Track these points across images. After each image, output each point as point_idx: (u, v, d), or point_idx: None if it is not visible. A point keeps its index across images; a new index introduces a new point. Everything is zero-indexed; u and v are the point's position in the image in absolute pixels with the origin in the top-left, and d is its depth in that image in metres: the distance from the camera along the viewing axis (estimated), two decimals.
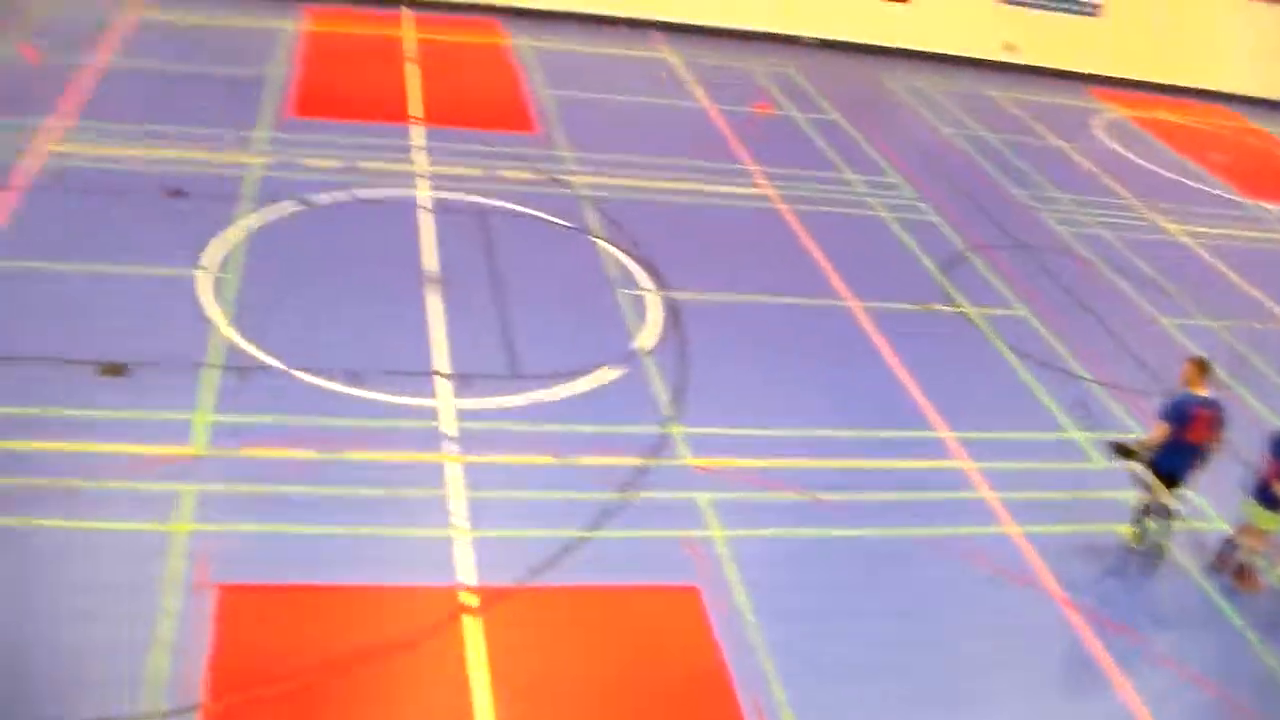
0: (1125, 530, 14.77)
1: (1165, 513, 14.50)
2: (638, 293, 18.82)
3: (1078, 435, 17.07)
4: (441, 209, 20.38)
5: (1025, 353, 18.88)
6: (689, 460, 14.97)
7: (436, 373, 15.85)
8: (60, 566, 12.02)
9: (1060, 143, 30.31)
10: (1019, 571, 14.11)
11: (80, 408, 14.19)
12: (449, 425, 14.85)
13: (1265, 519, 14.15)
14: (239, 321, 16.40)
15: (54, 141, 20.73)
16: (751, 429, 15.84)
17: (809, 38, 34.46)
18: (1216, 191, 28.94)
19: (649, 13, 33.20)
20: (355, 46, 28.52)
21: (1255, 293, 23.12)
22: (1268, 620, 14.12)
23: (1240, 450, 15.12)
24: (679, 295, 18.85)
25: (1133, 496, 14.75)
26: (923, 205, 24.24)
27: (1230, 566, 14.63)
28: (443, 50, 28.82)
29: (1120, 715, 12.13)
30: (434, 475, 14.01)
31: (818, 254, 21.13)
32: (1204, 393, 14.20)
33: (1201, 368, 14.35)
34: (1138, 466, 14.47)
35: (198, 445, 13.84)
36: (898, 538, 14.34)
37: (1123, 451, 14.64)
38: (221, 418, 14.41)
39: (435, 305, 17.49)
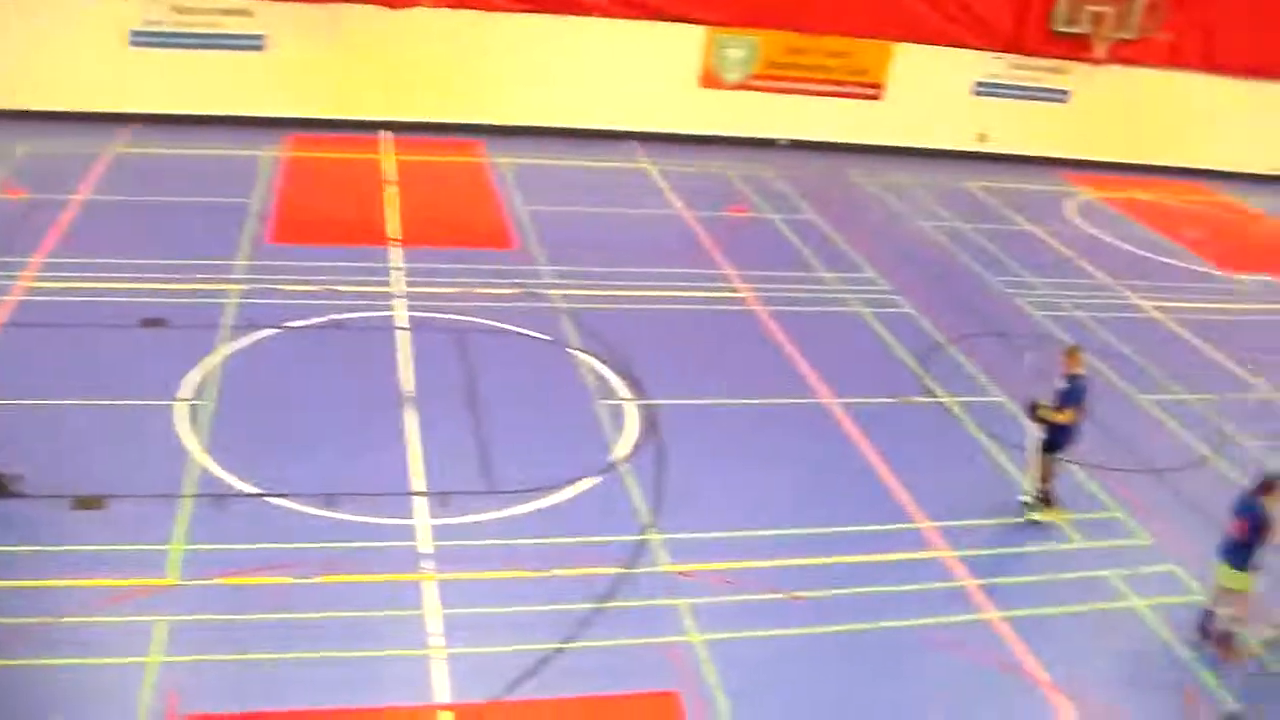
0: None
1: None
2: (615, 402, 18.97)
3: (1058, 517, 17.12)
4: (419, 328, 20.60)
5: (1004, 439, 18.95)
6: (667, 566, 15.03)
7: (413, 492, 15.98)
8: (35, 704, 12.06)
9: (1035, 228, 30.70)
10: (1002, 657, 14.15)
11: (55, 543, 14.33)
12: (425, 544, 14.94)
13: (1232, 579, 14.41)
14: (215, 449, 16.57)
15: (35, 278, 21.07)
16: (730, 531, 15.92)
17: (783, 140, 34.97)
18: (1192, 266, 29.30)
19: (625, 124, 33.70)
20: (335, 171, 29.01)
21: (1230, 363, 23.26)
22: (1249, 689, 14.15)
23: (1219, 520, 15.21)
24: (656, 402, 19.00)
25: (1111, 573, 15.16)
26: (899, 299, 24.49)
27: (1214, 636, 14.70)
28: (422, 171, 29.24)
29: None
30: (411, 595, 14.06)
31: (795, 354, 21.31)
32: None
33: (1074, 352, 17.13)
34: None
35: (173, 576, 13.94)
36: (879, 631, 14.36)
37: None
38: (197, 547, 14.51)
39: (412, 424, 17.65)
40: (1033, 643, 14.42)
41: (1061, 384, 16.86)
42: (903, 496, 17.26)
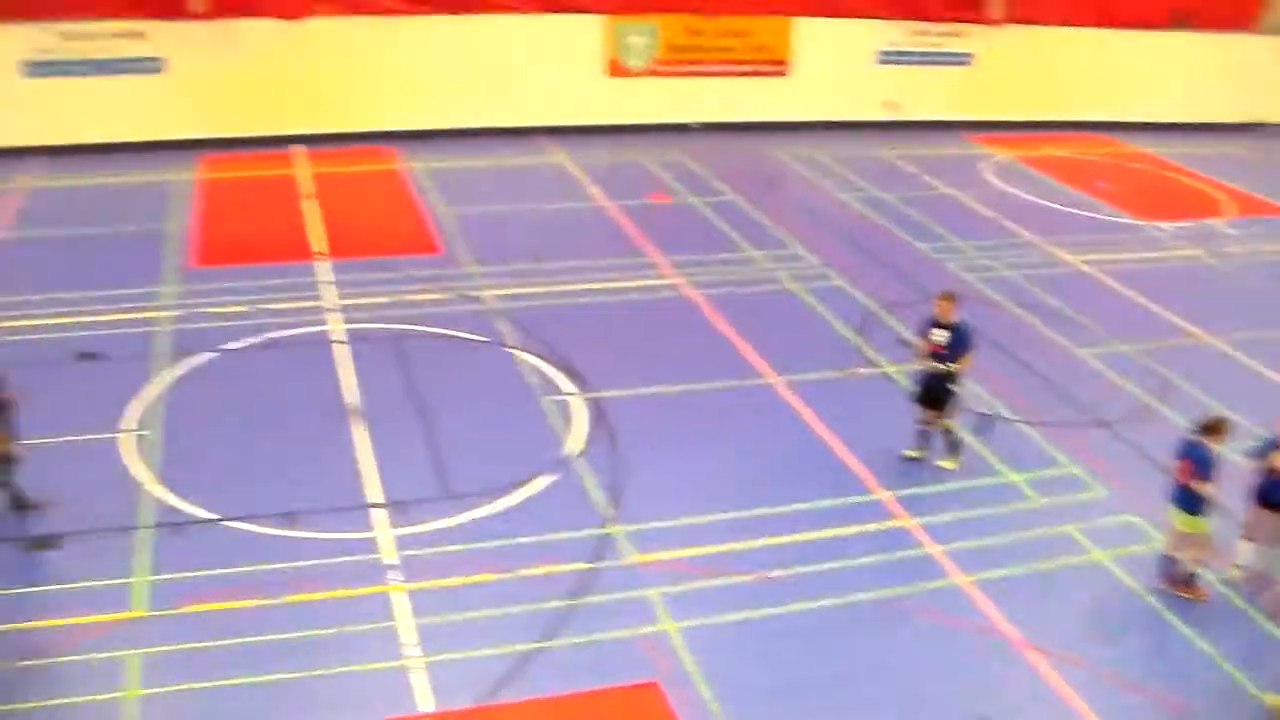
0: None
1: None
2: (561, 398, 18.90)
3: (1015, 477, 17.31)
4: (355, 340, 20.41)
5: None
6: (634, 557, 15.01)
7: (371, 504, 15.82)
8: None
9: (954, 191, 31.02)
10: (974, 620, 14.27)
11: (14, 586, 14.03)
12: (389, 555, 14.81)
13: (1187, 523, 14.59)
14: (166, 478, 16.30)
15: None
16: (691, 517, 15.92)
17: (695, 123, 35.01)
18: (1110, 218, 29.70)
19: (535, 119, 33.59)
20: (251, 189, 28.66)
21: (1163, 311, 23.63)
22: (1218, 629, 14.36)
23: (1170, 466, 15.41)
24: (602, 394, 18.97)
25: (1071, 528, 15.48)
26: (830, 271, 24.64)
27: (1176, 581, 14.91)
28: (338, 182, 28.96)
29: None
30: (381, 607, 13.92)
31: (733, 335, 21.36)
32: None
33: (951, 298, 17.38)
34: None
35: (140, 608, 13.70)
36: (850, 604, 14.41)
37: None
38: (160, 577, 14.27)
39: (361, 437, 17.48)
40: (1002, 603, 14.55)
41: (942, 336, 17.12)
42: (859, 469, 17.35)
